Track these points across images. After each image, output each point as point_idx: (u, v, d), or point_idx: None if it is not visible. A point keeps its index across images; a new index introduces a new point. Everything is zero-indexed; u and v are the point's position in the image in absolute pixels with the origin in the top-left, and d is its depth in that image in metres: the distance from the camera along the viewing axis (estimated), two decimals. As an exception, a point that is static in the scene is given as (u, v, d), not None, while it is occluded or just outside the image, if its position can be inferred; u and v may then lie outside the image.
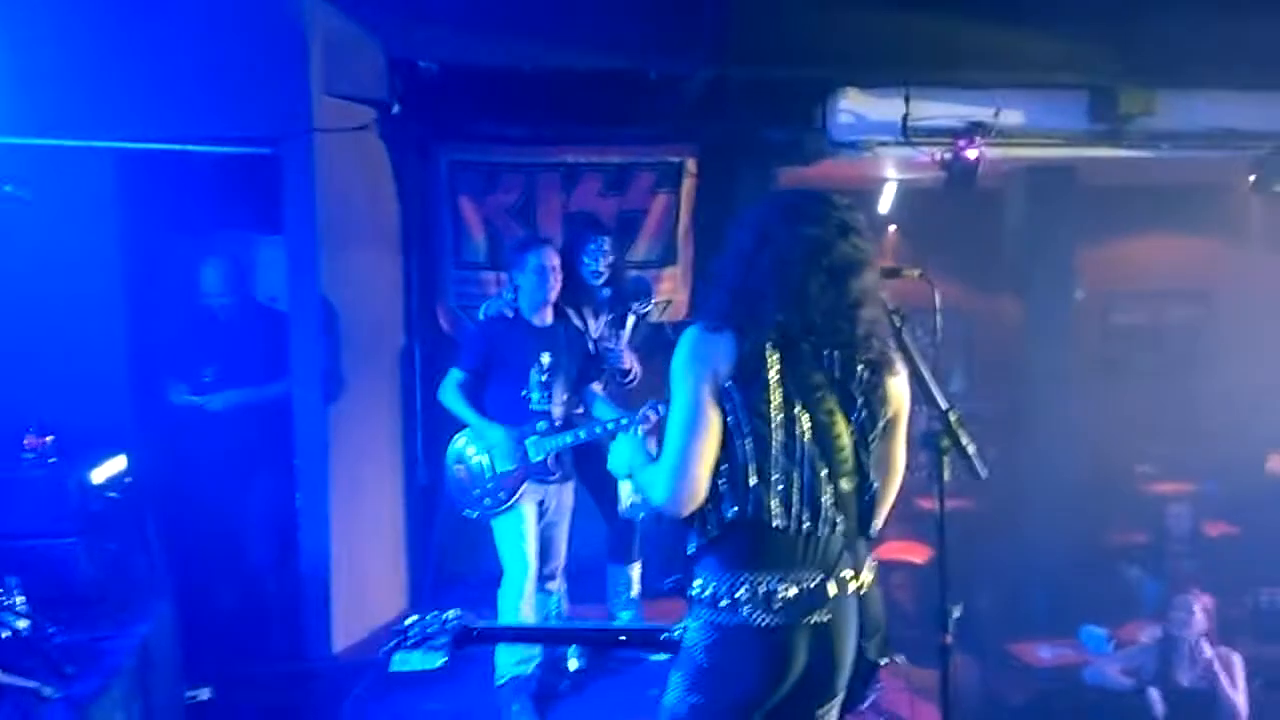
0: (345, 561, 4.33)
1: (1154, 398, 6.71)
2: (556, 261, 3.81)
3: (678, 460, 1.97)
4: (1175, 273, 6.98)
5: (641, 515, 3.86)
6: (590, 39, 4.37)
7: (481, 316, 3.98)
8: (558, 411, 3.78)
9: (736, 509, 1.97)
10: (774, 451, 1.96)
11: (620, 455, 2.22)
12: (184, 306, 4.42)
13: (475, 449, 3.77)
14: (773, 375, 1.96)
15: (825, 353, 1.99)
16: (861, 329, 2.00)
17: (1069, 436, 6.04)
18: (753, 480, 1.97)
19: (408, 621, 2.38)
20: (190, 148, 4.14)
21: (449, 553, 4.77)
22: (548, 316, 3.83)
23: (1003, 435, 6.61)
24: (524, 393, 3.74)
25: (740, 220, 2.09)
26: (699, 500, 1.99)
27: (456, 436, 3.85)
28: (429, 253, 4.89)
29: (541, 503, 3.79)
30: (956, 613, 2.11)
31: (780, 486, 1.97)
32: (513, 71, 4.46)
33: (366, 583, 4.51)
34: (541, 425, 3.73)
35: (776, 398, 1.96)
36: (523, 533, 3.70)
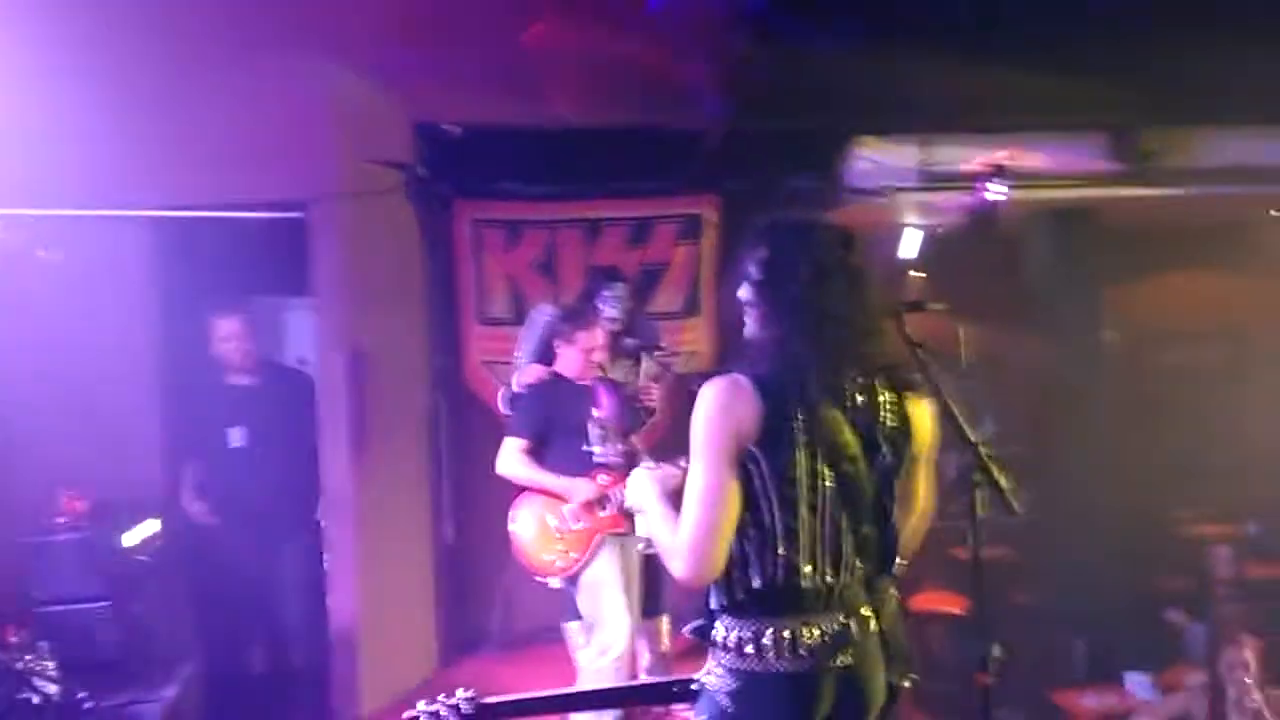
0: (374, 621, 4.30)
1: (1190, 439, 6.58)
2: (603, 340, 3.91)
3: (697, 534, 1.88)
4: (1206, 312, 6.88)
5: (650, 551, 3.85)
6: (607, 96, 4.45)
7: (516, 386, 4.01)
8: (617, 462, 3.81)
9: (764, 578, 1.92)
10: (802, 512, 1.90)
11: (637, 489, 2.18)
12: (214, 371, 4.44)
13: (543, 513, 3.77)
14: (799, 434, 1.88)
15: (847, 401, 1.94)
16: (879, 352, 1.96)
17: (1104, 480, 5.93)
18: (782, 548, 1.90)
19: (420, 707, 2.20)
20: (221, 214, 4.24)
21: (478, 611, 4.73)
22: (589, 376, 3.92)
23: (1036, 480, 6.49)
24: (585, 448, 3.79)
25: (742, 258, 2.08)
26: (719, 571, 1.92)
27: (520, 502, 3.83)
28: (453, 310, 4.95)
29: (619, 555, 3.80)
30: (996, 652, 2.04)
31: (807, 547, 1.92)
32: (533, 130, 4.54)
33: (395, 643, 4.47)
34: (603, 479, 3.77)
35: (803, 458, 1.89)
36: (611, 585, 3.72)
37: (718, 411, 1.89)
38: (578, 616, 3.85)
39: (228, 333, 4.29)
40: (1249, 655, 4.40)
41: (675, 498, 2.02)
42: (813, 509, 1.91)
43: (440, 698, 2.23)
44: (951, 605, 5.53)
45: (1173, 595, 5.96)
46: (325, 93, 4.14)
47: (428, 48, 4.26)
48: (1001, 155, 4.71)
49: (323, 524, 4.32)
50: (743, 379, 1.91)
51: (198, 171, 4.07)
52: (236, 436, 4.31)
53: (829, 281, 1.94)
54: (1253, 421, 6.56)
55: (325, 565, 4.27)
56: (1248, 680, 4.32)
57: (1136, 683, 4.98)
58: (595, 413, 3.83)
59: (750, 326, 2.05)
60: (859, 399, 1.96)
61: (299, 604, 4.40)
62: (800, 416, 1.88)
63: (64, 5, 3.60)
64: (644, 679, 4.02)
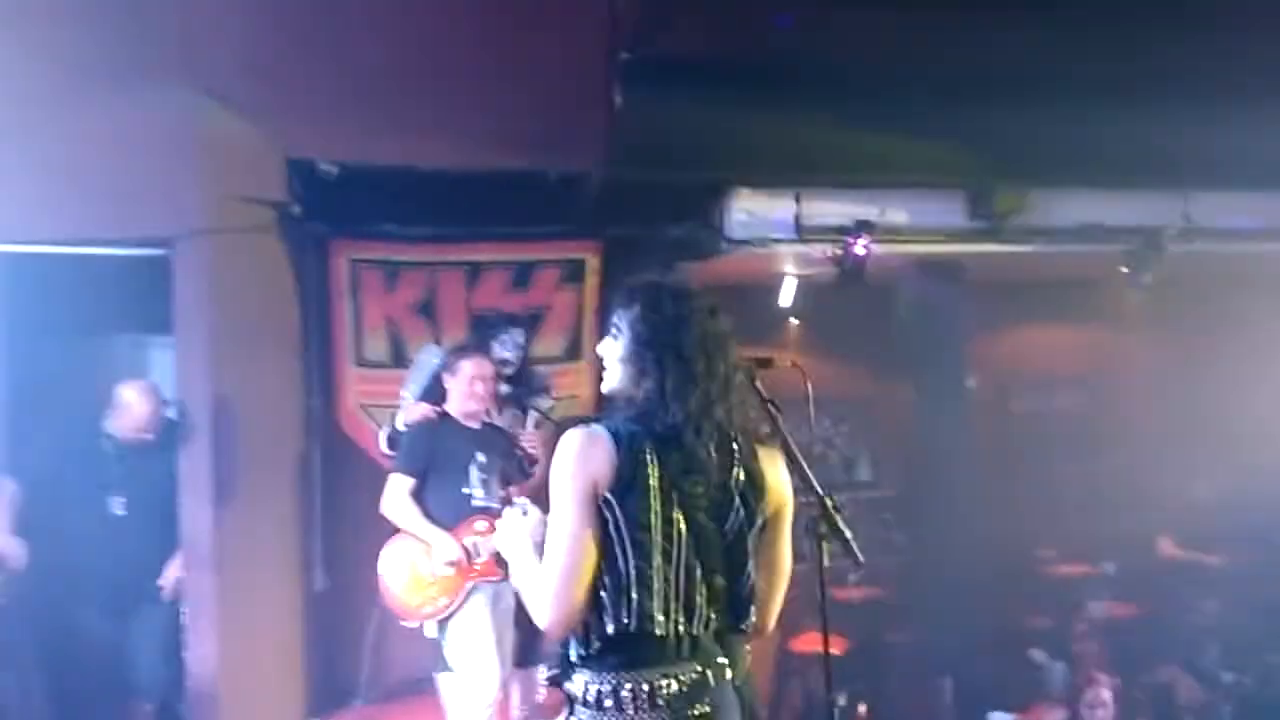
0: (236, 676, 4.13)
1: (1052, 482, 6.92)
2: (490, 371, 3.88)
3: (558, 581, 1.93)
4: (1062, 361, 7.29)
5: None
6: (489, 140, 4.46)
7: (401, 425, 3.95)
8: (497, 509, 3.77)
9: (618, 624, 1.94)
10: (655, 559, 1.94)
11: (508, 534, 2.17)
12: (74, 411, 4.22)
13: (414, 556, 3.71)
14: (652, 481, 1.94)
15: (701, 452, 2.00)
16: (736, 410, 2.02)
17: (973, 522, 6.16)
18: (635, 594, 1.94)
19: None
20: (82, 250, 4.09)
21: (343, 665, 4.58)
22: (477, 418, 3.87)
23: (909, 522, 6.73)
24: (465, 491, 3.74)
25: (609, 315, 2.12)
26: (579, 618, 1.95)
27: (391, 545, 3.77)
28: (329, 352, 4.83)
29: (492, 603, 3.75)
30: (841, 700, 2.10)
31: (661, 593, 1.95)
32: (414, 172, 4.51)
33: (259, 697, 4.29)
34: (481, 525, 3.72)
35: (657, 504, 1.94)
36: (483, 632, 3.67)
37: (573, 461, 1.95)
38: (450, 666, 3.77)
39: (134, 398, 4.12)
40: (1102, 688, 4.63)
41: (542, 547, 2.03)
42: (666, 556, 1.95)
43: None
44: (831, 646, 5.62)
45: (1036, 633, 6.22)
46: (192, 126, 4.04)
47: (303, 83, 4.22)
48: (870, 211, 4.92)
49: (180, 577, 4.13)
50: (599, 428, 1.97)
51: (56, 206, 3.92)
52: (119, 502, 4.11)
53: (692, 342, 2.01)
54: (1106, 464, 6.95)
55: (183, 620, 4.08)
56: (1098, 712, 4.54)
57: (999, 721, 5.15)
58: (479, 456, 3.79)
59: (612, 380, 2.09)
60: (714, 454, 2.01)
61: (162, 663, 4.19)
62: (654, 466, 1.94)
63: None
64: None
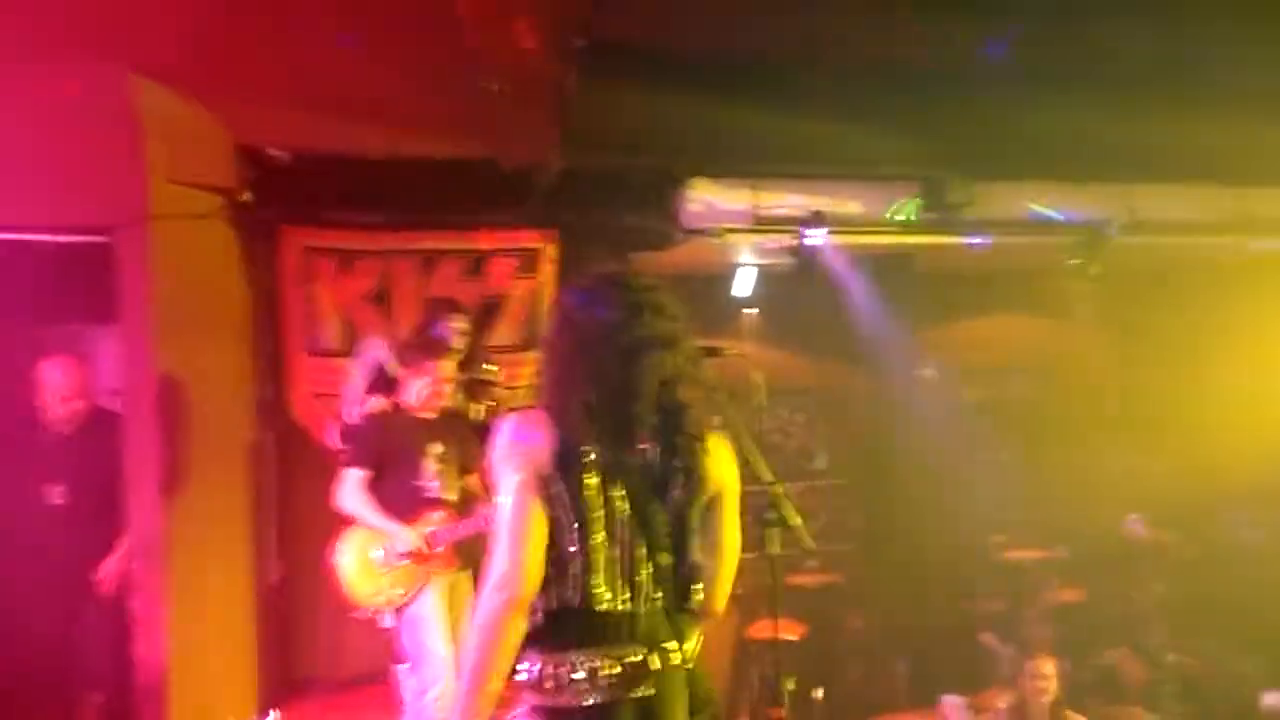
0: (186, 669, 4.06)
1: (1004, 469, 7.01)
2: (454, 372, 3.90)
3: (510, 560, 1.94)
4: (1012, 350, 7.40)
5: None
6: (443, 128, 4.42)
7: (351, 417, 3.97)
8: (454, 499, 3.76)
9: (562, 599, 1.98)
10: (597, 535, 1.97)
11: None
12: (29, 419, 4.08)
13: (368, 547, 3.71)
14: (591, 459, 1.97)
15: (640, 433, 2.02)
16: (660, 406, 2.02)
17: (927, 508, 6.25)
18: (576, 569, 1.97)
19: None
20: (21, 236, 3.97)
21: (297, 656, 4.54)
22: (435, 410, 3.87)
23: (865, 509, 6.80)
24: (419, 483, 3.74)
25: (555, 304, 2.15)
26: (533, 593, 1.97)
27: (345, 535, 3.77)
28: (280, 341, 4.77)
29: (447, 594, 3.75)
30: (790, 685, 2.13)
31: (603, 569, 1.98)
32: (367, 159, 4.45)
33: (210, 691, 4.23)
34: (437, 515, 3.73)
35: (595, 480, 1.97)
36: (435, 623, 3.67)
37: (511, 441, 2.00)
38: (405, 657, 3.77)
39: (56, 375, 4.00)
40: (1047, 671, 4.71)
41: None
42: (609, 534, 1.98)
43: None
44: (788, 631, 5.68)
45: (989, 618, 6.32)
46: (134, 108, 3.94)
47: (253, 66, 4.13)
48: (824, 202, 4.95)
49: (120, 569, 4.05)
50: (537, 412, 2.02)
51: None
52: (57, 491, 4.00)
53: (630, 335, 2.01)
54: (1056, 451, 7.07)
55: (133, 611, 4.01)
56: (1043, 695, 4.62)
57: (951, 705, 5.23)
58: (434, 447, 3.78)
59: (545, 364, 2.12)
60: (656, 436, 2.03)
61: (108, 655, 4.10)
62: (593, 447, 1.97)
63: None
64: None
